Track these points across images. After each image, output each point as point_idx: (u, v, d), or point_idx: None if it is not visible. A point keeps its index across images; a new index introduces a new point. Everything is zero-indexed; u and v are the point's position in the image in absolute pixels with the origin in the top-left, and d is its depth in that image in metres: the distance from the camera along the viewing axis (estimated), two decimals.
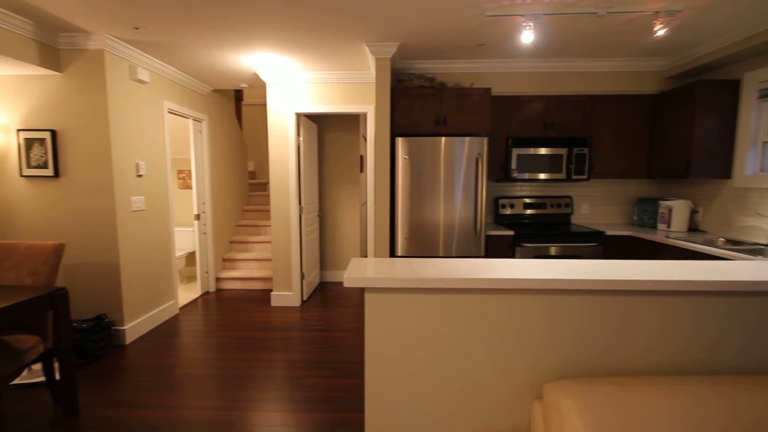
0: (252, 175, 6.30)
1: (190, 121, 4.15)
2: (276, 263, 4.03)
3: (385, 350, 1.14)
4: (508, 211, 3.72)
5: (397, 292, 1.10)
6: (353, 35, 2.80)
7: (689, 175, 2.99)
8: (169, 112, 3.72)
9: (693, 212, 3.28)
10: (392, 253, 3.24)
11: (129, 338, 3.14)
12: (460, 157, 3.11)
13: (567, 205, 3.72)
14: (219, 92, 4.70)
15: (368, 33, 2.76)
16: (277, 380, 2.57)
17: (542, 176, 3.43)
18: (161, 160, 3.56)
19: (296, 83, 3.83)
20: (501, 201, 3.72)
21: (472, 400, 1.18)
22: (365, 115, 3.98)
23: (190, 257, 5.10)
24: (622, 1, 2.25)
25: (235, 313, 3.86)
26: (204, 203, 4.38)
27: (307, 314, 3.85)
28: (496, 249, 3.27)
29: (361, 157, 4.96)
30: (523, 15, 2.37)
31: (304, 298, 4.24)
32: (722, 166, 2.98)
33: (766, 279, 1.12)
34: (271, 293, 4.08)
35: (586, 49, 3.15)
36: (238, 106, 5.66)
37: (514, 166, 3.42)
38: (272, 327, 3.50)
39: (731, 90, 2.91)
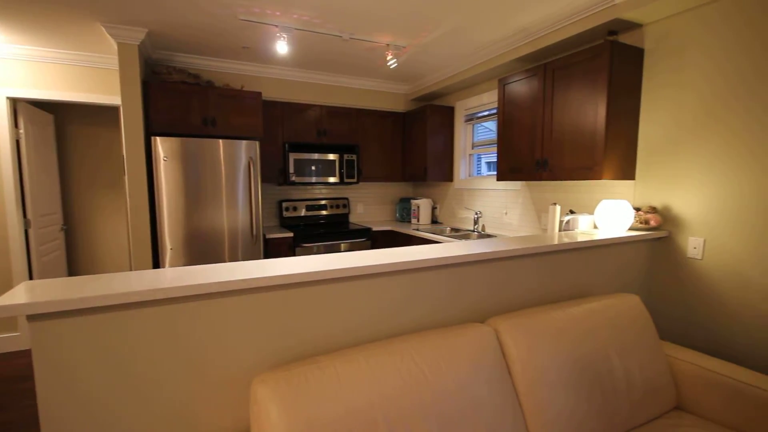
0: None
1: None
2: None
3: (64, 395, 0.97)
4: (292, 214, 3.85)
5: (68, 316, 0.95)
6: (81, 10, 2.33)
7: (426, 178, 3.76)
8: None
9: (433, 208, 4.15)
10: (156, 267, 2.87)
11: None
12: (236, 160, 3.02)
13: (345, 206, 4.12)
14: None
15: (102, 11, 2.35)
16: None
17: (319, 180, 3.69)
18: None
19: (6, 59, 2.93)
20: (284, 204, 3.82)
21: (193, 416, 1.15)
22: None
23: None
24: (362, 30, 2.63)
25: None
26: None
27: None
28: (277, 251, 3.33)
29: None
30: (276, 26, 2.48)
31: None
32: (447, 172, 3.88)
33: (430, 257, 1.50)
34: None
35: (348, 68, 3.55)
36: None
37: (292, 170, 3.56)
38: None
39: (449, 114, 3.82)
